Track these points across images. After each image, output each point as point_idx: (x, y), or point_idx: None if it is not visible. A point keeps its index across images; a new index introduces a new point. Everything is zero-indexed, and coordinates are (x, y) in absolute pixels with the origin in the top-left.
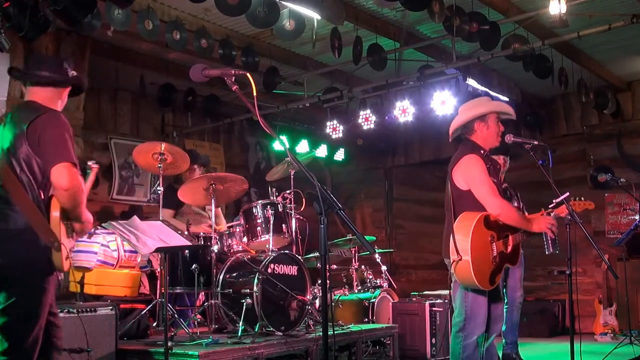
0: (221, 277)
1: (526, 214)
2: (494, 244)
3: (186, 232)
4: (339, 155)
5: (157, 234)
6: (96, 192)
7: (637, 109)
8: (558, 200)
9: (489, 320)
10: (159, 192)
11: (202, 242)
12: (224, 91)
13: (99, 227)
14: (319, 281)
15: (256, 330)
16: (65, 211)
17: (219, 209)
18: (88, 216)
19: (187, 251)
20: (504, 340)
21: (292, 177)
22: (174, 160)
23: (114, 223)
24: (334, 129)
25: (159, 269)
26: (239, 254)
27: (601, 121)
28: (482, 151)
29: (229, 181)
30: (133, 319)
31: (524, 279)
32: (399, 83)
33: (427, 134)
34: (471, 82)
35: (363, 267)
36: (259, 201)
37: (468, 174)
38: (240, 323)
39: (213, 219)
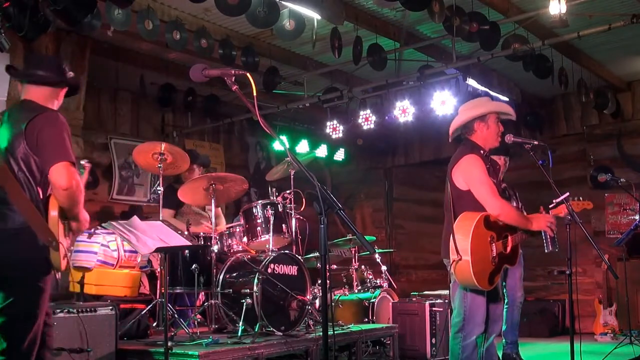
0: (221, 277)
1: (524, 213)
2: (493, 244)
3: (186, 232)
4: (339, 155)
5: (157, 234)
6: (96, 192)
7: (637, 109)
8: (558, 200)
9: (488, 320)
10: (159, 192)
11: (202, 242)
12: (224, 91)
13: (99, 227)
14: (319, 281)
15: (256, 330)
16: (62, 210)
17: (219, 208)
18: (85, 215)
19: (187, 251)
20: (504, 340)
21: (292, 177)
22: (174, 160)
23: (114, 223)
24: (334, 129)
25: (159, 269)
26: (239, 254)
27: (601, 121)
28: (481, 151)
29: (229, 181)
30: (133, 319)
31: (524, 279)
32: (399, 83)
33: (427, 134)
34: (471, 82)
35: (363, 267)
36: (259, 201)
37: (468, 174)
38: (240, 323)
39: (213, 219)
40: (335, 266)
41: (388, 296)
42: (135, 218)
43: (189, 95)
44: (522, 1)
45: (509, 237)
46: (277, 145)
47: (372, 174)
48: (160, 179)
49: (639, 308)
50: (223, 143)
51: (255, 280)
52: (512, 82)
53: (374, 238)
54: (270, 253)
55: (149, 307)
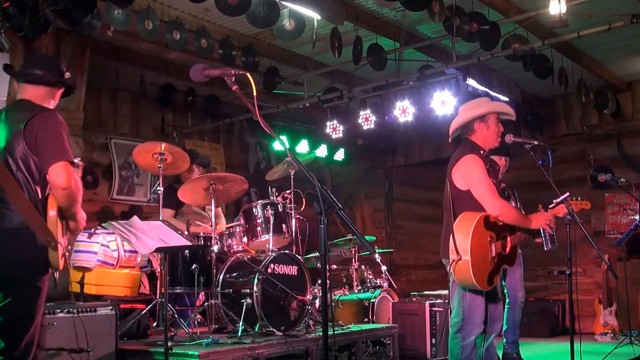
0: (221, 277)
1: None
2: (493, 244)
3: (186, 232)
4: (339, 155)
5: (157, 234)
6: (96, 192)
7: (637, 109)
8: (558, 200)
9: (487, 320)
10: (159, 192)
11: (202, 242)
12: (224, 91)
13: (99, 227)
14: (319, 281)
15: (256, 330)
16: (61, 210)
17: (219, 208)
18: (83, 214)
19: (187, 251)
20: (504, 340)
21: (292, 177)
22: (174, 160)
23: (114, 223)
24: (334, 129)
25: (159, 269)
26: (239, 254)
27: (601, 121)
28: (481, 151)
29: (229, 181)
30: (133, 319)
31: (524, 279)
32: (399, 83)
33: (427, 134)
34: (471, 82)
35: (363, 267)
36: (259, 201)
37: (467, 174)
38: (240, 323)
39: (213, 219)
40: (335, 266)
41: (388, 296)
42: (135, 218)
43: (189, 95)
44: (522, 1)
45: (508, 238)
46: (277, 145)
47: (372, 174)
48: (160, 179)
49: (639, 308)
50: (223, 143)
51: (255, 280)
52: (512, 82)
53: (374, 238)
54: (270, 253)
55: (149, 307)
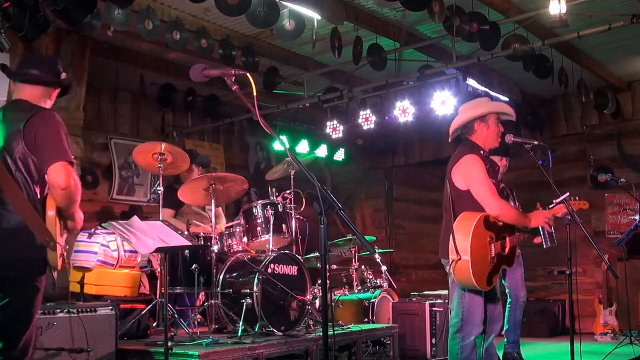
0: (221, 277)
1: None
2: (492, 244)
3: (186, 232)
4: (339, 155)
5: (157, 234)
6: (96, 192)
7: (637, 109)
8: (558, 200)
9: (486, 320)
10: (159, 192)
11: (202, 242)
12: (224, 91)
13: (99, 227)
14: (319, 281)
15: (256, 330)
16: (59, 209)
17: (219, 208)
18: (80, 214)
19: (187, 251)
20: (505, 339)
21: (292, 177)
22: (174, 160)
23: (114, 223)
24: (334, 129)
25: (159, 269)
26: (239, 254)
27: (601, 121)
28: (481, 151)
29: (229, 181)
30: (133, 319)
31: (524, 279)
32: (399, 83)
33: (427, 134)
34: (471, 82)
35: (363, 267)
36: (259, 201)
37: (467, 174)
38: (240, 323)
39: (213, 219)
40: (335, 266)
41: (388, 296)
42: (135, 218)
43: (189, 95)
44: (522, 1)
45: (507, 238)
46: (277, 145)
47: (372, 174)
48: (160, 179)
49: (639, 308)
50: (223, 143)
51: (255, 280)
52: (512, 82)
53: (374, 238)
54: (270, 253)
55: (149, 307)
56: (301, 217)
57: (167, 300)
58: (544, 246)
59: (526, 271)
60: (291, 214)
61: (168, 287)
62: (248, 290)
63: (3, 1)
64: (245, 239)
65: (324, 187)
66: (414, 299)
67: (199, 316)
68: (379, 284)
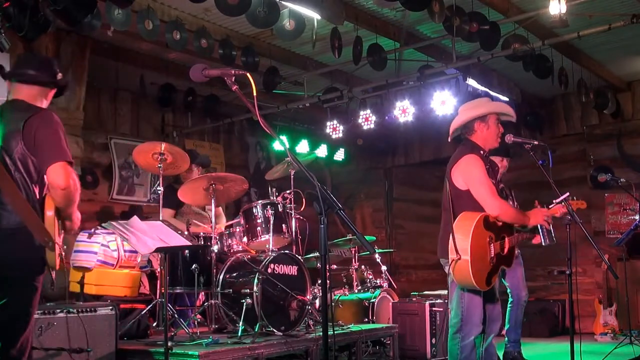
0: (221, 277)
1: None
2: (492, 245)
3: (186, 232)
4: (339, 155)
5: (157, 234)
6: (96, 192)
7: (637, 109)
8: (558, 200)
9: (486, 320)
10: (159, 192)
11: (202, 242)
12: (224, 91)
13: (99, 227)
14: (319, 281)
15: (256, 330)
16: (57, 210)
17: (220, 208)
18: (78, 215)
19: (187, 251)
20: (506, 339)
21: (292, 177)
22: (174, 160)
23: (114, 223)
24: (334, 129)
25: (159, 269)
26: (239, 254)
27: (601, 121)
28: (481, 151)
29: (229, 181)
30: (133, 319)
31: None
32: (399, 83)
33: (427, 134)
34: (471, 82)
35: (363, 267)
36: (259, 201)
37: (467, 174)
38: (240, 323)
39: (213, 219)
40: (335, 266)
41: (388, 296)
42: (135, 218)
43: (189, 95)
44: (522, 1)
45: (506, 239)
46: (277, 145)
47: (372, 174)
48: (160, 179)
49: (639, 308)
50: (223, 143)
51: (255, 280)
52: (512, 82)
53: (374, 238)
54: (270, 253)
55: (149, 307)
56: (301, 217)
57: (167, 300)
58: (543, 244)
59: (526, 271)
60: (291, 214)
61: (168, 287)
62: (248, 290)
63: (3, 1)
64: (245, 239)
65: (324, 187)
66: (414, 299)
67: (199, 316)
68: (379, 284)
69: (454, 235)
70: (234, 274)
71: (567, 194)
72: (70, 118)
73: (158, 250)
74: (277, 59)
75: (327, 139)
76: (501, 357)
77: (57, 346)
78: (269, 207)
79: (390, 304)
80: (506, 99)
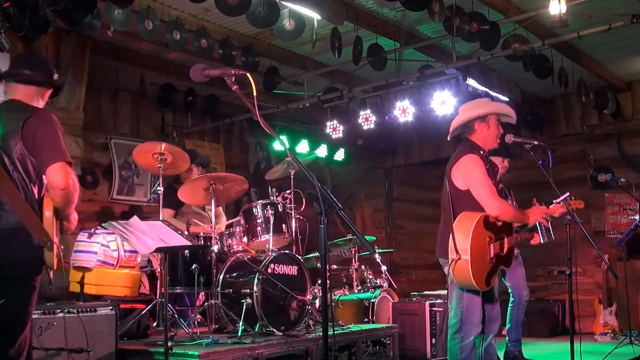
0: (221, 277)
1: None
2: (491, 245)
3: (186, 232)
4: (339, 155)
5: (157, 234)
6: (96, 192)
7: (637, 109)
8: (558, 200)
9: (485, 320)
10: (159, 192)
11: (202, 242)
12: (224, 91)
13: (99, 227)
14: (319, 281)
15: (256, 330)
16: (56, 210)
17: (220, 208)
18: (75, 215)
19: (187, 251)
20: (507, 338)
21: (292, 177)
22: (174, 160)
23: (114, 223)
24: (334, 129)
25: (159, 269)
26: (239, 254)
27: (601, 121)
28: (481, 151)
29: (229, 181)
30: (133, 319)
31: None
32: (399, 83)
33: (427, 134)
34: (471, 82)
35: (363, 267)
36: (259, 201)
37: (467, 173)
38: (240, 323)
39: (213, 219)
40: (335, 266)
41: (388, 296)
42: (135, 218)
43: (189, 95)
44: (522, 1)
45: (506, 239)
46: (277, 145)
47: (372, 174)
48: (160, 179)
49: (639, 308)
50: (223, 143)
51: (255, 280)
52: (512, 82)
53: (374, 238)
54: (270, 253)
55: (149, 307)
56: (301, 217)
57: (167, 300)
58: (541, 241)
59: (526, 271)
60: (291, 214)
61: (168, 287)
62: (248, 290)
63: (3, 1)
64: (245, 239)
65: (324, 187)
66: (414, 299)
67: (199, 316)
68: (379, 284)
69: (454, 235)
70: (234, 274)
71: (567, 193)
72: (70, 118)
73: (158, 250)
74: (277, 59)
75: (327, 139)
76: (502, 357)
77: (57, 346)
78: (269, 207)
79: (390, 304)
80: (506, 99)
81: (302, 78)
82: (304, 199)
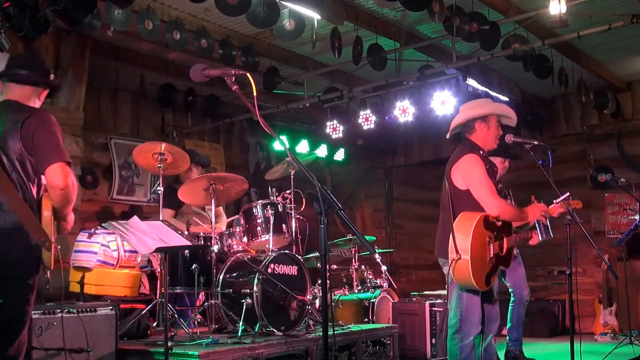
0: (221, 277)
1: None
2: (491, 244)
3: (186, 232)
4: (339, 155)
5: (157, 234)
6: (96, 192)
7: (637, 109)
8: (558, 200)
9: (484, 320)
10: (159, 192)
11: (202, 242)
12: (224, 91)
13: (99, 227)
14: (319, 281)
15: (256, 330)
16: (54, 210)
17: (220, 207)
18: (72, 216)
19: (187, 251)
20: (508, 337)
21: (292, 177)
22: (174, 160)
23: (114, 223)
24: (334, 129)
25: (159, 269)
26: (239, 254)
27: (601, 121)
28: (481, 151)
29: (229, 181)
30: (133, 319)
31: None
32: (399, 83)
33: (427, 134)
34: (471, 82)
35: (363, 267)
36: (259, 201)
37: (467, 173)
38: (240, 323)
39: (213, 219)
40: (335, 266)
41: (388, 296)
42: (135, 218)
43: (189, 95)
44: (522, 1)
45: (505, 239)
46: (277, 145)
47: (372, 174)
48: (160, 179)
49: (639, 308)
50: (223, 143)
51: (255, 280)
52: (512, 82)
53: (374, 238)
54: (270, 253)
55: (149, 307)
56: (301, 217)
57: (167, 300)
58: (540, 238)
59: (526, 271)
60: (291, 214)
61: (168, 287)
62: (248, 290)
63: (3, 1)
64: (245, 239)
65: (324, 187)
66: (414, 299)
67: (199, 316)
68: (379, 284)
69: (454, 234)
70: (234, 274)
71: (568, 193)
72: (70, 118)
73: (158, 250)
74: (277, 59)
75: (327, 139)
76: (502, 357)
77: (57, 346)
78: (269, 207)
79: (390, 304)
80: (506, 99)
81: (302, 78)
82: (304, 199)
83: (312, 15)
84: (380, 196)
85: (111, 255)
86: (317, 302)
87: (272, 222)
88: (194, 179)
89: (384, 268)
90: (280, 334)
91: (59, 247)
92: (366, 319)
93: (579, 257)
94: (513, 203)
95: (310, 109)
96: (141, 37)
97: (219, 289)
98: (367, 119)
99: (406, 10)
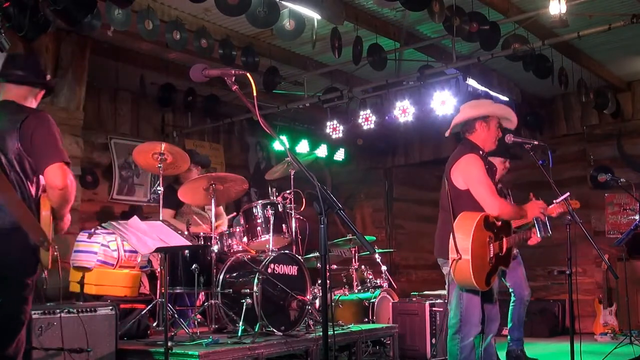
0: (221, 277)
1: None
2: (491, 245)
3: (186, 232)
4: (339, 155)
5: (157, 234)
6: (96, 192)
7: (637, 109)
8: (558, 200)
9: (484, 320)
10: (159, 192)
11: (202, 242)
12: (224, 91)
13: (99, 227)
14: (319, 281)
15: (256, 330)
16: (52, 210)
17: (221, 207)
18: (69, 216)
19: (187, 251)
20: (509, 337)
21: (292, 177)
22: (174, 160)
23: (114, 223)
24: (334, 129)
25: (159, 269)
26: (239, 254)
27: (601, 121)
28: (480, 151)
29: (229, 181)
30: (133, 319)
31: None
32: (399, 83)
33: (427, 134)
34: (471, 82)
35: (363, 267)
36: (259, 201)
37: (467, 173)
38: (240, 323)
39: (213, 219)
40: (335, 266)
41: (388, 296)
42: (135, 218)
43: (189, 95)
44: (522, 1)
45: (505, 239)
46: (277, 145)
47: (372, 174)
48: (160, 179)
49: (639, 308)
50: (223, 143)
51: (255, 280)
52: (512, 82)
53: (374, 238)
54: (270, 253)
55: (149, 307)
56: (301, 217)
57: (167, 300)
58: (538, 235)
59: (526, 271)
60: (291, 214)
61: (168, 287)
62: (248, 290)
63: (3, 1)
64: (245, 239)
65: (324, 187)
66: (414, 299)
67: (199, 316)
68: (379, 284)
69: (454, 234)
70: (234, 274)
71: (568, 193)
72: (70, 118)
73: (158, 250)
74: (277, 59)
75: (327, 139)
76: (503, 356)
77: (57, 346)
78: (269, 207)
79: (390, 304)
80: (506, 99)
81: (302, 78)
82: (304, 199)
83: (312, 15)
84: (380, 196)
85: (111, 255)
86: (317, 302)
87: (272, 222)
88: (194, 179)
89: (384, 268)
90: (280, 334)
91: (57, 247)
92: (366, 319)
93: (579, 257)
94: (512, 203)
95: (310, 109)
96: (141, 37)
97: (219, 289)
98: (367, 119)
99: (406, 10)
